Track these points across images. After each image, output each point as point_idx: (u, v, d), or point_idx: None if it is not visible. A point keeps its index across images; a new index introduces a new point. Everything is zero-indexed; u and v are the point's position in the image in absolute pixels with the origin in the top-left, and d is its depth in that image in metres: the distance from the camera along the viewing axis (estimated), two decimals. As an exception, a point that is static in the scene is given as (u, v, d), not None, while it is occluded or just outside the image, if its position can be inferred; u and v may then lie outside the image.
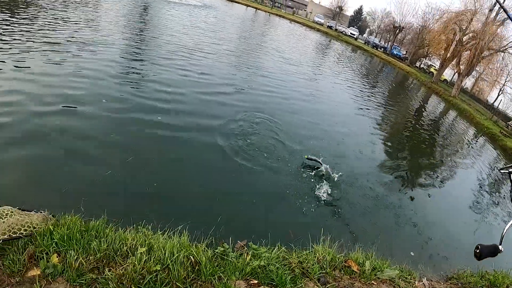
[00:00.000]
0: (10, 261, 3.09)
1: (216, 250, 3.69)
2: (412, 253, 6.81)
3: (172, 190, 5.96)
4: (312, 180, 8.05)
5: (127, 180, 5.80)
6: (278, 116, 11.12)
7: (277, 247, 3.99)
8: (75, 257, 3.18)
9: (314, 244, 4.30)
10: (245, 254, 3.70)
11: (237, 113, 10.25)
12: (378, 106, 20.23)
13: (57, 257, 3.22)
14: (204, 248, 3.66)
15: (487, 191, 13.93)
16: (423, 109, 27.34)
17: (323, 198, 7.37)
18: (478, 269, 6.11)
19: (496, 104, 42.16)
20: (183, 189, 6.13)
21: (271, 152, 8.59)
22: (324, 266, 3.82)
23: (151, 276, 3.20)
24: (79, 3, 20.08)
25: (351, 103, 18.28)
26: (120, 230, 3.75)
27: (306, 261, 3.81)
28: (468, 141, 23.03)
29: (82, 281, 3.06)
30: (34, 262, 3.18)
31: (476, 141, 24.33)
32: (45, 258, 3.18)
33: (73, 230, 3.42)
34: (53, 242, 3.29)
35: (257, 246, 3.99)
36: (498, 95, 44.17)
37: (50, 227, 3.41)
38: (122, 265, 3.27)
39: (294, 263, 3.72)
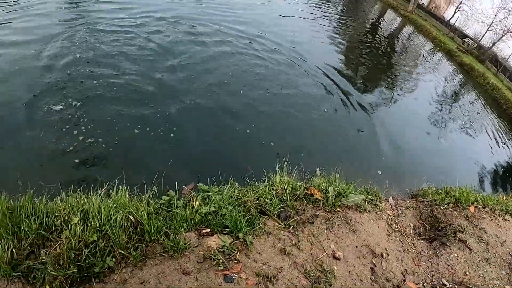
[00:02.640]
0: None
1: (160, 202, 3.26)
2: (379, 172, 6.61)
3: (100, 142, 5.39)
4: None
5: (55, 143, 5.25)
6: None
7: (229, 185, 3.47)
8: (6, 247, 2.93)
9: (272, 174, 3.71)
10: (194, 199, 3.24)
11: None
12: (332, 23, 19.04)
13: (-13, 251, 2.99)
14: (147, 202, 3.23)
15: (445, 105, 13.90)
16: (379, 24, 26.56)
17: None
18: (443, 186, 5.95)
19: (452, 21, 40.76)
20: (113, 137, 5.53)
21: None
22: (284, 198, 3.32)
23: (89, 249, 2.90)
24: None
25: (304, 20, 17.34)
26: (53, 201, 3.37)
27: (263, 197, 3.30)
28: (425, 55, 22.73)
29: (18, 273, 2.85)
30: (-35, 263, 2.99)
31: (433, 56, 23.96)
32: (-24, 257, 2.97)
33: (-1, 215, 3.12)
34: (-20, 235, 3.04)
35: (208, 186, 3.49)
36: (455, 12, 41.35)
37: (-28, 218, 3.14)
38: (58, 242, 3.00)
39: (250, 201, 3.23)
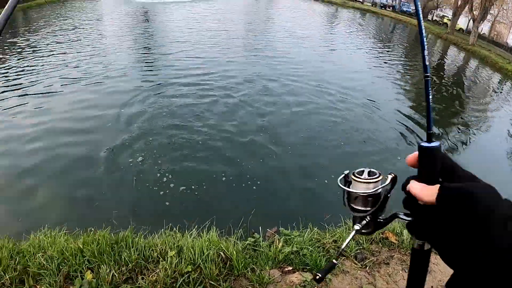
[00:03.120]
0: (47, 285, 3.19)
1: (247, 242, 3.62)
2: None
3: (191, 189, 6.12)
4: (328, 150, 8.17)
5: (147, 190, 6.04)
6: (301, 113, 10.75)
7: (309, 229, 3.87)
8: (107, 271, 3.23)
9: (348, 220, 4.13)
10: (277, 241, 3.60)
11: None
12: (396, 67, 19.44)
13: (90, 273, 3.28)
14: (234, 242, 3.60)
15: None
16: (443, 63, 26.12)
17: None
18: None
19: (517, 45, 38.85)
20: (201, 186, 6.25)
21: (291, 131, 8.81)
22: (360, 241, 3.66)
23: (183, 278, 3.19)
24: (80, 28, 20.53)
25: (368, 69, 17.80)
26: (149, 237, 3.79)
27: (341, 239, 3.66)
28: (495, 88, 21.62)
29: (117, 293, 3.11)
30: (70, 281, 3.26)
31: (503, 88, 22.84)
32: (79, 276, 3.25)
33: (103, 245, 3.47)
34: (85, 259, 3.36)
35: (289, 231, 3.89)
36: (518, 36, 40.20)
37: (80, 245, 3.49)
38: (155, 271, 3.29)
39: (328, 243, 3.58)
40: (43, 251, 3.56)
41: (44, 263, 3.39)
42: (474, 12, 39.41)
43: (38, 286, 3.26)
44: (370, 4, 65.72)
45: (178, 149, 7.35)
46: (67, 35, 18.00)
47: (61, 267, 3.33)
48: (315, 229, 3.89)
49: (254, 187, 6.36)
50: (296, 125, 9.39)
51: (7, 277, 3.29)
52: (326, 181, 6.97)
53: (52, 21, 21.69)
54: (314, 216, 4.89)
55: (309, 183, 6.85)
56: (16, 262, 3.47)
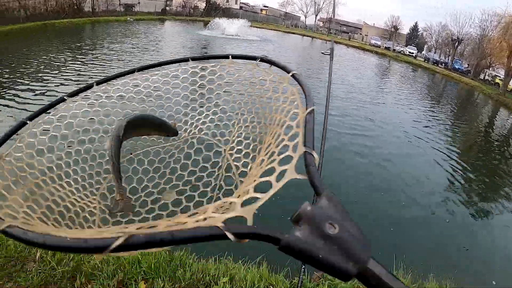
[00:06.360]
0: (100, 286, 3.31)
1: (294, 280, 3.78)
2: (493, 282, 6.06)
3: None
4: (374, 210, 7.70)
5: None
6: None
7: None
8: (161, 285, 3.36)
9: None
10: (321, 284, 3.77)
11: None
12: (442, 128, 17.96)
13: (144, 283, 3.41)
14: (283, 279, 3.76)
15: None
16: (492, 126, 24.06)
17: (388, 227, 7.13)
18: None
19: None
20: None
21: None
22: None
23: (232, 305, 3.34)
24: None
25: (412, 127, 16.45)
26: (202, 260, 3.93)
27: None
28: None
29: (168, 308, 3.24)
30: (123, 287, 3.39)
31: None
32: (133, 284, 3.37)
33: (160, 260, 3.61)
34: (142, 270, 3.49)
35: (333, 278, 4.04)
36: None
37: (139, 256, 3.61)
38: (206, 294, 3.43)
39: None
40: (97, 253, 3.68)
41: (99, 265, 3.52)
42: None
43: (89, 285, 3.38)
44: (423, 60, 65.74)
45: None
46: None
47: (116, 273, 3.45)
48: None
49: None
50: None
51: (60, 270, 3.42)
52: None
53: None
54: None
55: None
56: (70, 258, 3.60)
